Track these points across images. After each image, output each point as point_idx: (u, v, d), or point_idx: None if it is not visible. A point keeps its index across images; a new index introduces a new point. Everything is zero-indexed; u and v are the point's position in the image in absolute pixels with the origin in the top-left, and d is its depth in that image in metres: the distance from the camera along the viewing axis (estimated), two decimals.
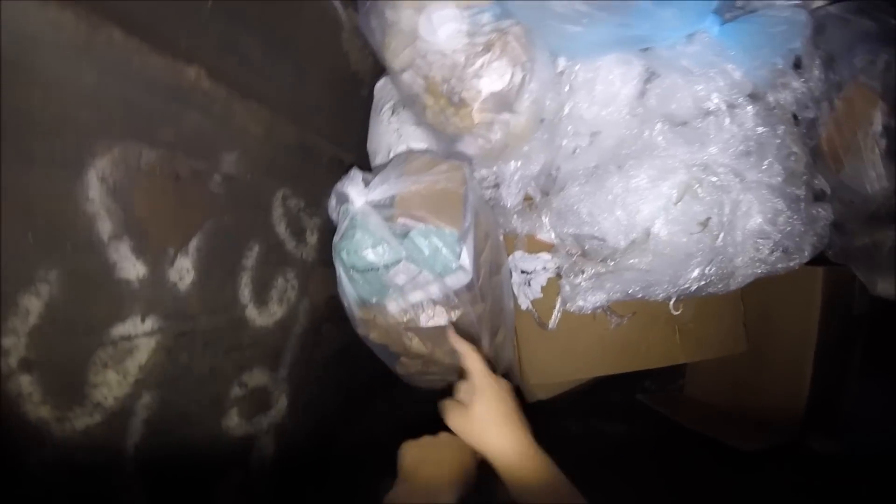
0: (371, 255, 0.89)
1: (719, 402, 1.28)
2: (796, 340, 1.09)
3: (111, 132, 0.62)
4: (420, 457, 0.75)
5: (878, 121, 0.94)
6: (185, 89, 0.69)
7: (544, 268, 1.10)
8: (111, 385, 0.62)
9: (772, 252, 0.94)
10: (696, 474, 1.08)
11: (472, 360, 0.81)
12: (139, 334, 0.65)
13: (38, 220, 0.55)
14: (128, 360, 0.64)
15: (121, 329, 0.63)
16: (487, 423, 0.74)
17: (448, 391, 0.82)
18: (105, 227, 0.61)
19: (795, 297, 1.10)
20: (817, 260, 1.00)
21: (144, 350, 0.66)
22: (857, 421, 1.10)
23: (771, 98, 0.94)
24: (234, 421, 0.80)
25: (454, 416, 0.76)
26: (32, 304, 0.55)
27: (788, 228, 0.92)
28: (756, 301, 1.15)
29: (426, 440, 0.77)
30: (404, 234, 0.88)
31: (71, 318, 0.59)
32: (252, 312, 0.84)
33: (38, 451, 0.57)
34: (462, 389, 0.79)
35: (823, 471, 1.03)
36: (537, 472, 0.69)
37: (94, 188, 0.60)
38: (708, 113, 0.90)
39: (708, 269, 0.92)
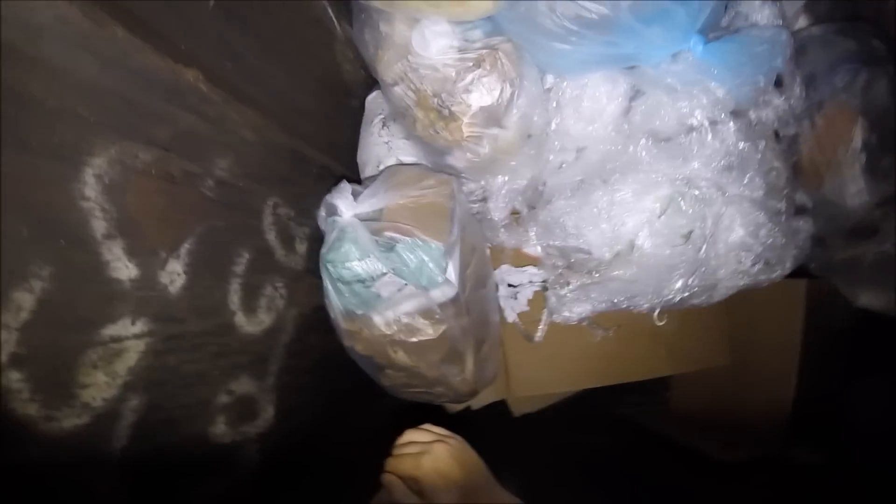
0: (357, 268, 0.89)
1: (703, 413, 1.30)
2: (780, 352, 1.12)
3: (109, 129, 0.63)
4: None
5: (857, 137, 0.99)
6: (182, 91, 0.71)
7: (530, 281, 1.12)
8: (100, 386, 0.62)
9: (754, 264, 0.97)
10: (679, 486, 1.10)
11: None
12: (129, 336, 0.65)
13: (33, 214, 0.56)
14: (117, 362, 0.64)
15: (111, 330, 0.63)
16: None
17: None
18: (99, 225, 0.62)
19: (779, 309, 1.13)
20: (799, 273, 1.03)
21: (134, 352, 0.66)
22: (851, 427, 1.12)
23: (753, 115, 0.98)
24: (220, 428, 0.80)
25: None
26: (25, 300, 0.55)
27: (770, 241, 0.96)
28: (740, 313, 1.17)
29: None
30: (391, 248, 0.89)
31: (62, 316, 0.59)
32: (241, 319, 0.84)
33: (24, 449, 0.56)
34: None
35: (806, 482, 1.05)
36: None
37: (91, 186, 0.61)
38: (691, 129, 0.93)
39: (691, 280, 0.95)
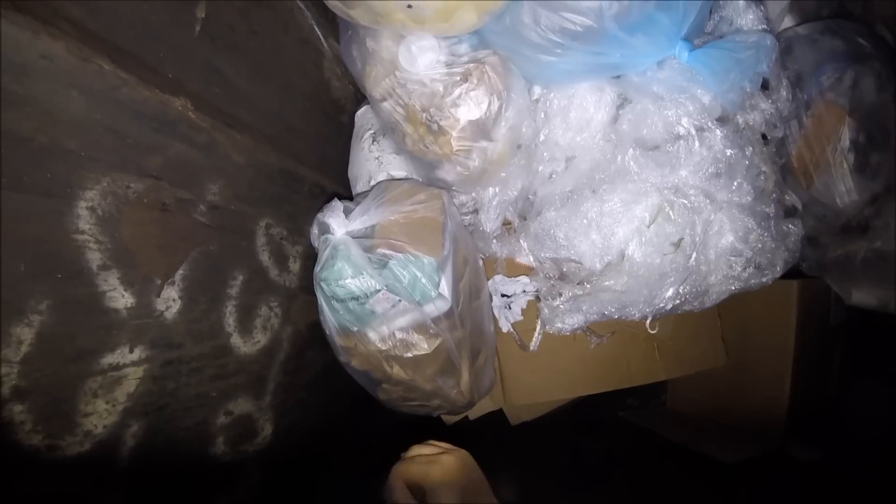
0: (351, 285, 0.92)
1: (701, 415, 1.32)
2: (775, 352, 1.14)
3: (100, 163, 0.65)
4: None
5: (845, 136, 1.01)
6: (171, 120, 0.73)
7: (524, 291, 1.14)
8: (101, 414, 0.65)
9: (745, 269, 0.99)
10: (681, 487, 1.12)
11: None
12: (127, 363, 0.68)
13: (30, 250, 0.59)
14: (117, 389, 0.67)
15: (110, 358, 0.66)
16: None
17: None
18: (95, 257, 0.64)
19: (772, 310, 1.15)
20: (792, 273, 1.04)
21: (132, 379, 0.69)
22: (844, 425, 1.15)
23: (740, 119, 0.99)
24: (220, 448, 0.83)
25: None
26: (25, 334, 0.58)
27: (760, 245, 0.97)
28: (734, 315, 1.20)
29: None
30: (384, 264, 0.91)
31: (62, 348, 0.62)
32: (237, 340, 0.86)
33: (30, 479, 0.59)
34: None
35: (804, 479, 1.07)
36: None
37: (84, 219, 0.63)
38: (678, 137, 0.95)
39: (682, 288, 0.97)
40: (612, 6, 0.85)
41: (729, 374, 1.23)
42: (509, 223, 1.13)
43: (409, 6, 0.85)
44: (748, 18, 1.01)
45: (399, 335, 0.96)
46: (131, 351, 0.69)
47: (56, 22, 0.59)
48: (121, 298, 0.67)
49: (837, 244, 1.08)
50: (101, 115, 0.65)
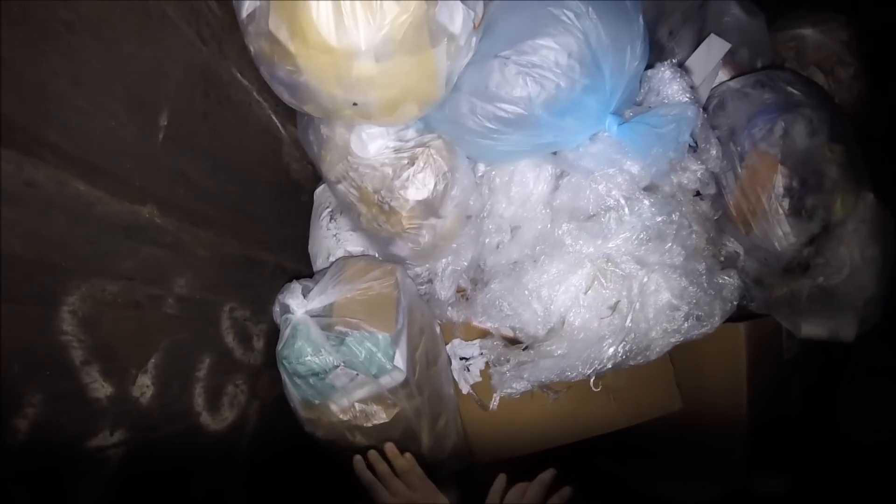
0: (311, 363, 1.09)
1: (659, 456, 1.47)
2: (729, 392, 1.30)
3: (79, 271, 0.82)
4: None
5: (779, 183, 1.19)
6: (140, 227, 0.91)
7: (481, 353, 1.32)
8: (87, 496, 0.82)
9: (684, 321, 1.14)
10: None
11: None
12: (109, 446, 0.85)
13: (23, 352, 0.75)
14: (101, 470, 0.84)
15: (94, 442, 0.83)
16: None
17: None
18: (77, 354, 0.81)
19: (722, 353, 1.31)
20: (741, 313, 1.21)
21: (115, 460, 0.86)
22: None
23: (674, 179, 1.18)
24: None
25: None
26: (21, 425, 0.74)
27: (695, 300, 1.14)
28: (687, 360, 1.35)
29: None
30: (341, 341, 1.09)
31: (53, 436, 0.78)
32: (206, 419, 1.04)
33: None
34: None
35: None
36: None
37: (67, 321, 0.80)
38: (609, 208, 1.13)
39: (621, 346, 1.12)
40: (541, 95, 1.03)
41: (684, 417, 1.36)
42: (463, 290, 1.31)
43: (355, 104, 1.02)
44: (673, 89, 1.18)
45: (359, 406, 1.13)
46: (112, 434, 0.85)
47: (37, 150, 0.75)
48: (101, 389, 0.84)
49: (782, 283, 1.25)
50: (79, 229, 0.82)
